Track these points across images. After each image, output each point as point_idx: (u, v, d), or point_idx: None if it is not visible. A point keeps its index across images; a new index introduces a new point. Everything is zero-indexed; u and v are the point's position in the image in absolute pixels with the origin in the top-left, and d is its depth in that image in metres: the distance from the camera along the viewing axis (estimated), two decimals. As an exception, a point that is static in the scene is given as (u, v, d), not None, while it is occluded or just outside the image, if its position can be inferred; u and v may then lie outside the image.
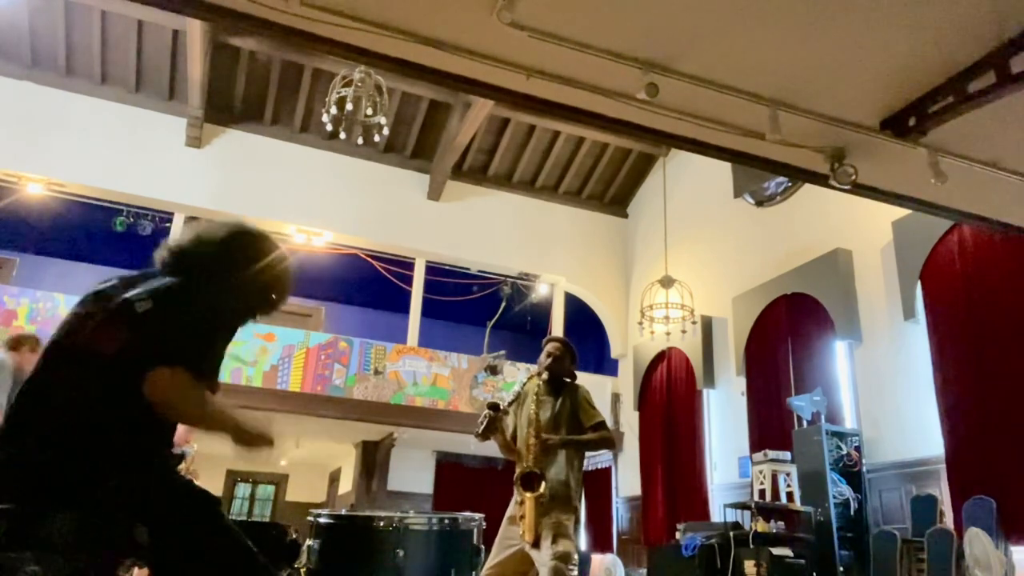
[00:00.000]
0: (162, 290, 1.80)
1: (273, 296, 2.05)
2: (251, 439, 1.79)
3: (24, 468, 1.61)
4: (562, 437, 3.44)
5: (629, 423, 10.00)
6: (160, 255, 1.94)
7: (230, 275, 1.92)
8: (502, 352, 9.57)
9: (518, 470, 3.43)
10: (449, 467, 11.07)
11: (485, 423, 3.42)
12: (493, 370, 9.44)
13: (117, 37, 8.65)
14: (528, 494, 3.29)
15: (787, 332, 7.40)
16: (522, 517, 3.33)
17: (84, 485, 1.60)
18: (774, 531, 6.09)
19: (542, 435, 3.41)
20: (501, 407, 3.48)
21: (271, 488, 14.06)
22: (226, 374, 8.27)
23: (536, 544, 3.26)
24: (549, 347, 3.69)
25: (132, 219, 9.10)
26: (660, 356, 9.39)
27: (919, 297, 6.11)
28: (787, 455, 6.54)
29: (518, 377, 9.16)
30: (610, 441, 3.69)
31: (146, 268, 1.93)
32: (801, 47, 2.60)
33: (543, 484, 3.30)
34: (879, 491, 6.19)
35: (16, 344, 4.57)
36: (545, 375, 3.58)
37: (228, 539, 1.71)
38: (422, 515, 3.23)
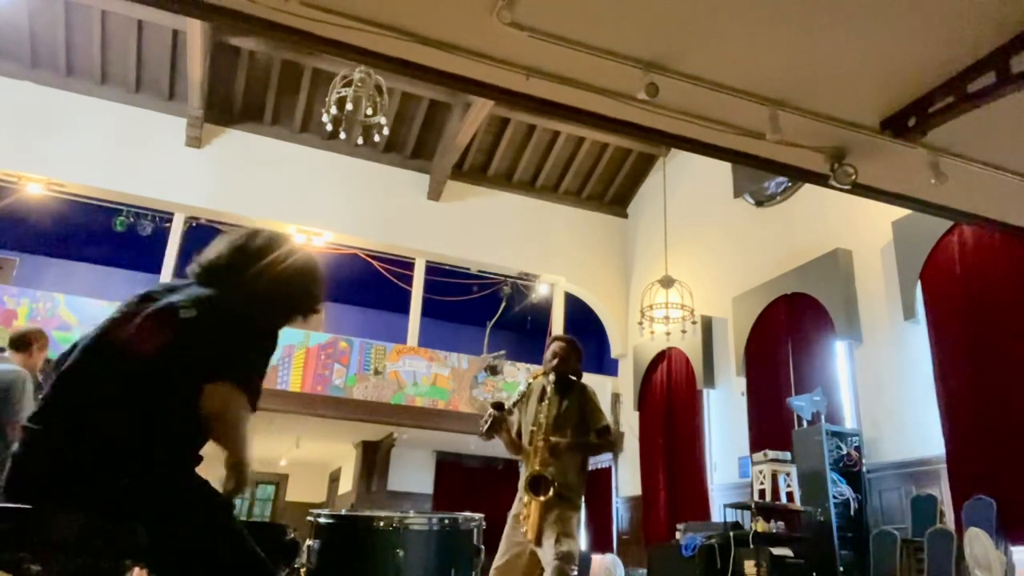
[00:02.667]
0: (204, 299, 1.84)
1: (302, 293, 2.07)
2: (243, 478, 1.80)
3: (42, 468, 1.61)
4: (570, 440, 3.44)
5: (629, 423, 9.99)
6: (192, 268, 1.98)
7: (253, 279, 1.94)
8: (502, 352, 9.56)
9: (526, 472, 3.43)
10: (449, 467, 11.07)
11: (489, 422, 3.43)
12: (493, 370, 9.44)
13: (117, 37, 8.65)
14: (539, 498, 3.29)
15: (787, 332, 7.39)
16: (526, 517, 3.33)
17: (95, 486, 1.59)
18: (774, 531, 6.09)
19: (551, 438, 3.41)
20: (505, 406, 3.48)
21: (271, 488, 14.06)
22: (226, 374, 8.26)
23: (540, 542, 3.28)
24: (554, 346, 3.68)
25: (132, 219, 9.09)
26: (660, 356, 9.38)
27: (919, 297, 6.10)
28: (787, 455, 6.53)
29: (519, 378, 9.17)
30: (613, 446, 3.70)
31: (182, 278, 1.99)
32: (801, 47, 2.60)
33: (551, 488, 3.30)
34: (879, 491, 6.19)
35: (23, 343, 3.98)
36: (552, 375, 3.58)
37: (237, 545, 1.71)
38: (422, 515, 3.23)
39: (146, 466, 1.65)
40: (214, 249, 1.99)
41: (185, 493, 1.71)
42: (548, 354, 3.66)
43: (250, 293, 1.92)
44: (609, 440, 3.61)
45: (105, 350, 1.76)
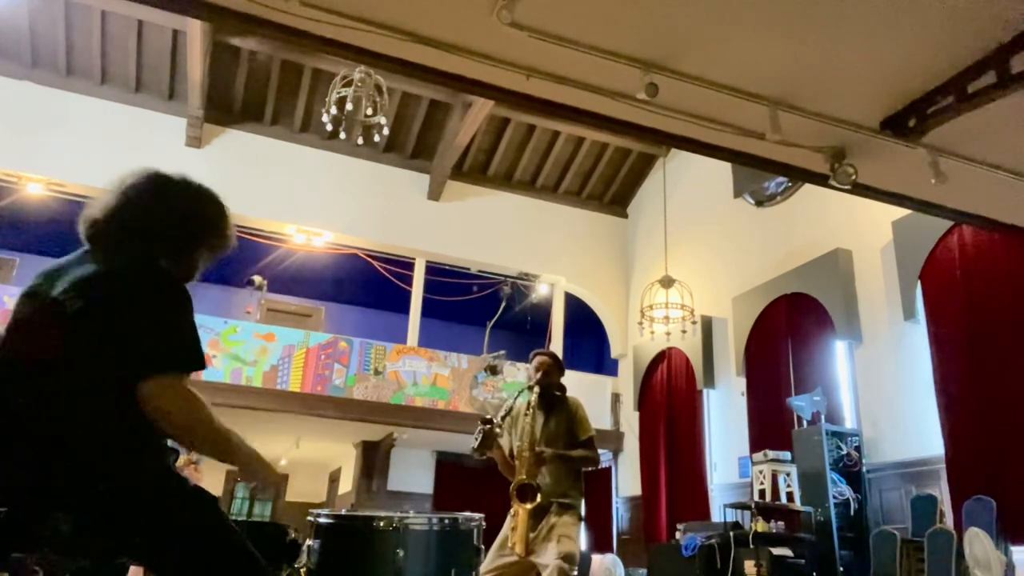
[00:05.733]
0: (89, 282, 1.62)
1: (200, 220, 1.86)
2: (261, 471, 1.73)
3: (16, 472, 1.60)
4: (555, 451, 3.48)
5: (629, 423, 10.00)
6: (81, 231, 1.76)
7: (141, 224, 1.74)
8: (502, 352, 9.56)
9: (514, 482, 3.44)
10: (449, 467, 11.06)
11: (480, 438, 3.44)
12: (493, 370, 9.44)
13: (117, 37, 8.65)
14: (525, 505, 3.31)
15: (787, 332, 7.39)
16: (514, 528, 3.34)
17: (77, 487, 1.58)
18: (774, 531, 6.10)
19: (536, 447, 3.43)
20: (495, 421, 3.49)
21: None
22: (226, 374, 8.27)
23: (533, 551, 3.29)
24: (537, 361, 3.72)
25: (132, 219, 9.08)
26: (660, 356, 9.39)
27: (919, 297, 6.10)
28: (787, 455, 6.53)
29: (519, 377, 9.17)
30: (598, 459, 3.75)
31: (73, 251, 1.76)
32: (801, 47, 2.60)
33: (538, 496, 3.32)
34: (879, 491, 6.19)
35: None
36: (537, 389, 3.60)
37: (226, 538, 1.70)
38: (422, 515, 3.23)
39: (114, 466, 1.59)
40: (97, 204, 1.79)
41: (167, 492, 1.68)
42: (532, 369, 3.71)
43: (143, 241, 1.72)
44: (592, 455, 3.65)
45: (14, 364, 1.62)
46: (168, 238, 1.77)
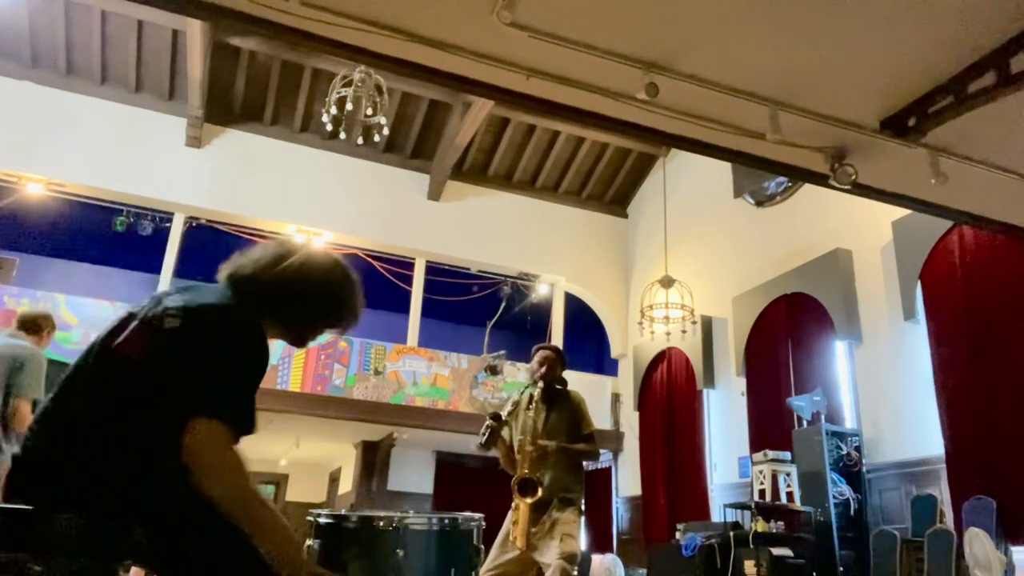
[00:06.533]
0: (196, 308, 1.64)
1: (333, 302, 1.86)
2: (288, 563, 1.63)
3: (39, 468, 1.61)
4: (558, 444, 3.48)
5: (629, 423, 10.00)
6: (221, 271, 1.79)
7: (277, 284, 1.76)
8: (502, 352, 9.57)
9: (515, 476, 3.45)
10: (449, 467, 11.06)
11: (487, 433, 3.46)
12: (493, 370, 9.44)
13: (117, 37, 8.65)
14: (526, 500, 3.31)
15: (787, 332, 7.40)
16: (515, 522, 3.35)
17: (91, 488, 1.59)
18: (774, 531, 6.10)
19: (539, 441, 3.43)
20: (502, 417, 3.50)
21: (271, 488, 14.05)
22: (226, 374, 8.25)
23: (535, 546, 3.29)
24: (540, 355, 3.72)
25: (132, 219, 9.09)
26: (660, 356, 9.39)
27: (919, 297, 6.11)
28: (787, 455, 6.54)
29: (519, 378, 9.17)
30: (598, 453, 3.76)
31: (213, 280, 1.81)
32: (801, 47, 2.60)
33: (539, 490, 3.32)
34: (879, 491, 6.19)
35: (36, 326, 3.95)
36: (540, 383, 3.60)
37: (232, 539, 1.70)
38: (422, 515, 3.24)
39: (142, 470, 1.64)
40: (244, 256, 1.82)
41: (181, 495, 1.69)
42: (535, 363, 3.71)
43: (274, 299, 1.76)
44: (593, 449, 3.67)
45: (103, 355, 1.69)
46: (295, 311, 1.82)
